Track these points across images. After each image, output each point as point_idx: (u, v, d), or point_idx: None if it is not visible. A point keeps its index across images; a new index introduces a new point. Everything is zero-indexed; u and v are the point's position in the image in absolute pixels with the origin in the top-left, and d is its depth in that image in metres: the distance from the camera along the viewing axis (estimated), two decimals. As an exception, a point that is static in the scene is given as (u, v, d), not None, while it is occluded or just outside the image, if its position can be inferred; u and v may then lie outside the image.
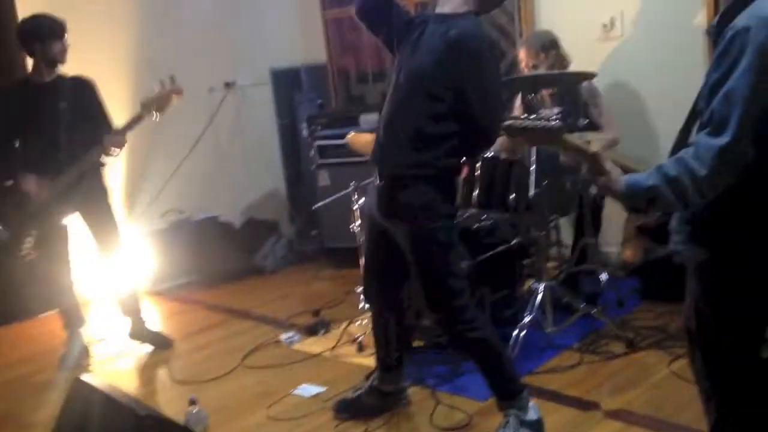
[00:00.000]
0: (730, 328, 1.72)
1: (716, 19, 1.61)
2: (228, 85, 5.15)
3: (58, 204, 3.39)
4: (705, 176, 1.51)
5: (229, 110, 5.16)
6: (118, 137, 3.41)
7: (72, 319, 3.67)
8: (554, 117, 1.78)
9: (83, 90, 3.49)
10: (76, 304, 3.70)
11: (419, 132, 2.39)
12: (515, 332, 3.08)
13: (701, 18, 3.67)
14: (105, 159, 3.53)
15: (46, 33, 3.33)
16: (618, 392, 2.79)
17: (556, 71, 3.51)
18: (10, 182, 3.38)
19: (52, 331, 3.89)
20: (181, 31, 4.86)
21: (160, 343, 3.75)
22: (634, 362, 3.00)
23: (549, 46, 3.61)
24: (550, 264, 3.61)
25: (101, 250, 3.60)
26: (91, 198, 3.52)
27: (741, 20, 1.49)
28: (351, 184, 3.76)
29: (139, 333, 3.76)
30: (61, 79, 3.45)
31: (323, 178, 4.80)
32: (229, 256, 4.85)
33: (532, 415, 2.49)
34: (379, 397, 2.83)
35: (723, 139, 1.49)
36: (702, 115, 1.59)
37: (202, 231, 4.87)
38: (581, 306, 3.26)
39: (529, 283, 3.40)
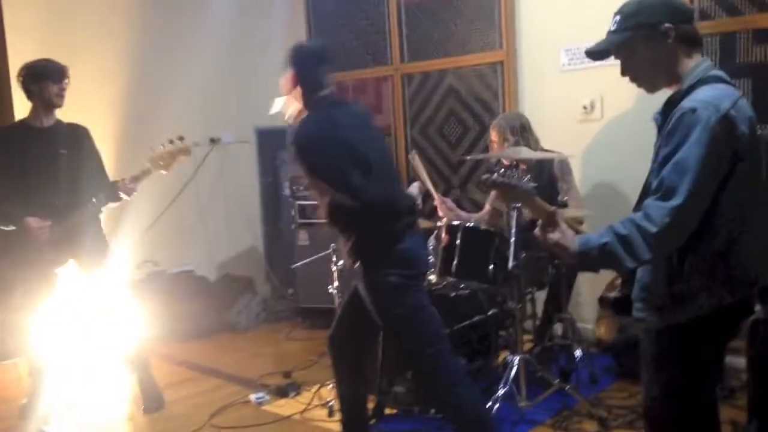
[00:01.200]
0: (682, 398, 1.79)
1: (660, 108, 1.85)
2: (213, 141, 5.19)
3: (54, 251, 3.32)
4: (655, 233, 1.63)
5: (212, 165, 5.19)
6: (128, 187, 3.40)
7: (37, 368, 3.56)
8: (528, 180, 1.90)
9: (81, 137, 3.50)
10: (43, 353, 3.60)
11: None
12: (488, 405, 3.06)
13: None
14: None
15: (42, 75, 3.33)
16: (589, 471, 2.78)
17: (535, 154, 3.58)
18: (10, 227, 3.29)
19: (16, 378, 3.79)
20: (170, 86, 4.91)
21: (154, 405, 3.60)
22: (607, 441, 2.99)
23: (519, 129, 3.67)
24: (526, 337, 3.62)
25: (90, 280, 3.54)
26: (94, 247, 3.46)
27: (686, 103, 1.70)
28: (330, 245, 3.78)
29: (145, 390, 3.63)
30: (60, 124, 3.44)
31: (302, 238, 4.81)
32: (202, 311, 4.79)
33: None
34: None
35: (675, 201, 1.63)
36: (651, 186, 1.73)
37: (177, 284, 4.82)
38: (555, 381, 3.27)
39: (504, 354, 3.40)
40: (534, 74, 4.39)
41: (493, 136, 3.75)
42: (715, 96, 1.69)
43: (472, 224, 3.45)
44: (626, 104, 4.03)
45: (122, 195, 3.42)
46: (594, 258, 1.70)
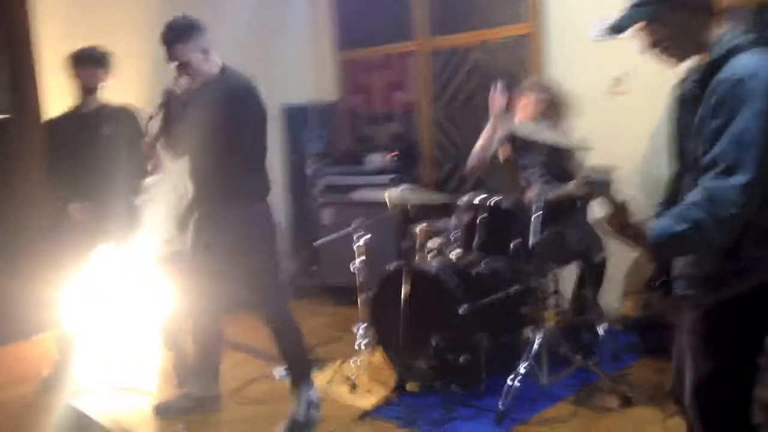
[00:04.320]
0: (726, 376, 1.73)
1: (693, 77, 1.80)
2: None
3: (96, 232, 3.50)
4: (730, 217, 1.58)
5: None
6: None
7: (66, 342, 3.65)
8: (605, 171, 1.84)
9: (125, 119, 3.62)
10: (72, 326, 3.68)
11: None
12: (510, 380, 3.05)
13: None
14: None
15: (80, 59, 3.52)
16: (611, 448, 2.76)
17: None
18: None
19: (43, 353, 3.88)
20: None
21: None
22: (629, 418, 2.96)
23: (554, 94, 3.63)
24: (549, 313, 3.59)
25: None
26: (126, 222, 3.60)
27: (729, 73, 1.64)
28: (353, 222, 3.78)
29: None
30: (104, 107, 3.61)
31: (327, 216, 4.82)
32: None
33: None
34: None
35: (742, 178, 1.57)
36: (699, 161, 1.67)
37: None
38: (578, 358, 3.24)
39: (527, 331, 3.38)
40: (562, 46, 4.31)
41: (528, 98, 3.64)
42: (759, 64, 1.64)
43: (495, 200, 3.41)
44: (656, 76, 3.88)
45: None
46: (670, 246, 1.66)
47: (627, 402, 3.05)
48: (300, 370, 3.14)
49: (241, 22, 5.14)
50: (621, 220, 1.69)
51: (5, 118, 4.46)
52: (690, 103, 1.78)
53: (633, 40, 4.05)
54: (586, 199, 3.35)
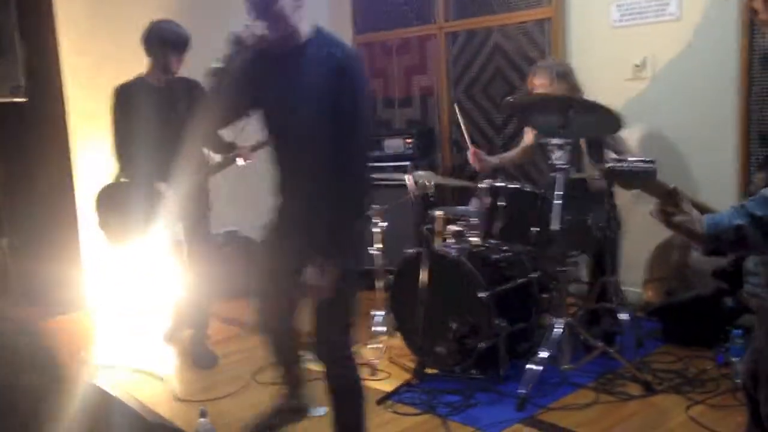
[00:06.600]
0: None
1: None
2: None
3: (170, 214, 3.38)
4: None
5: (256, 128, 5.19)
6: (250, 154, 3.59)
7: (93, 323, 3.67)
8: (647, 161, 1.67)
9: (195, 92, 3.48)
10: (97, 308, 3.71)
11: None
12: (530, 366, 3.04)
13: (733, 62, 3.67)
14: None
15: (167, 43, 3.40)
16: (633, 435, 2.75)
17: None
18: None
19: (69, 333, 3.91)
20: (213, 49, 4.90)
21: (206, 362, 3.70)
22: (651, 405, 2.94)
23: (562, 74, 3.56)
24: (569, 300, 3.57)
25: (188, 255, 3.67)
26: (199, 210, 3.62)
27: None
28: (371, 207, 3.76)
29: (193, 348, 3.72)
30: (175, 81, 3.50)
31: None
32: (248, 271, 4.84)
33: None
34: None
35: None
36: None
37: (224, 244, 4.89)
38: (599, 344, 3.22)
39: (547, 318, 3.37)
40: (583, 31, 4.25)
41: (535, 81, 3.61)
42: None
43: (515, 186, 3.39)
44: (677, 62, 3.89)
45: (239, 161, 3.57)
46: (726, 242, 1.51)
47: (649, 389, 3.03)
48: None
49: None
50: (671, 210, 1.53)
51: (23, 102, 4.48)
52: None
53: (656, 23, 4.00)
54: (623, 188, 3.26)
